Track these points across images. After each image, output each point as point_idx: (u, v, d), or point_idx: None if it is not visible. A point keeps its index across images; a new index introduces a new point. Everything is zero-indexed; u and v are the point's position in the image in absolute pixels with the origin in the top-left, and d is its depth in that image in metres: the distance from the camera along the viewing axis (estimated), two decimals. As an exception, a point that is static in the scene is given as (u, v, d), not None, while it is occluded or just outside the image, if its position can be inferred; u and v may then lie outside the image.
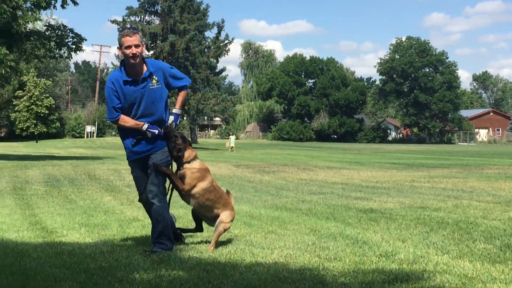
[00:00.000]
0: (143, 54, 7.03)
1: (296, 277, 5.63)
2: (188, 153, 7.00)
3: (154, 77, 6.89)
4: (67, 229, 8.62)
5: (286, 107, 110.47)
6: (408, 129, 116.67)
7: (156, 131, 6.87)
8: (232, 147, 50.69)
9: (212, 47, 62.94)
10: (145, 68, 6.93)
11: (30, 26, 29.45)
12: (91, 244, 7.43)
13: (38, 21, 30.24)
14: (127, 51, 6.75)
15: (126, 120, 6.96)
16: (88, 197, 13.07)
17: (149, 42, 62.39)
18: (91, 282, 5.44)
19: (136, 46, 6.76)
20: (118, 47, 6.96)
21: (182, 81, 7.19)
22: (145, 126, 6.85)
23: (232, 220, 7.38)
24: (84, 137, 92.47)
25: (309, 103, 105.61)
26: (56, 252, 6.84)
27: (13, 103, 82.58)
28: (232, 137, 52.73)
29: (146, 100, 6.87)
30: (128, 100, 6.88)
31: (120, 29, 7.29)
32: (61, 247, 7.19)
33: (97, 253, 6.76)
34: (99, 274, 5.77)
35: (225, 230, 7.29)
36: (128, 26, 60.71)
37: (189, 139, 7.04)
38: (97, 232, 8.41)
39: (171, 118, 7.12)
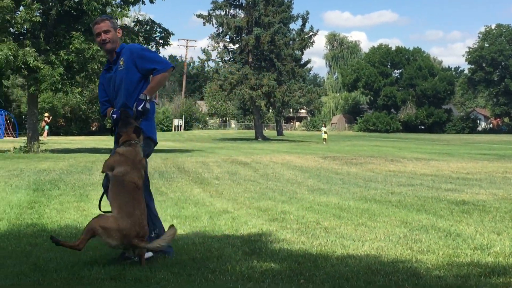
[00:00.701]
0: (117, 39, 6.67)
1: (389, 269, 5.58)
2: (123, 138, 6.32)
3: (121, 58, 6.61)
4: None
5: (372, 98, 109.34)
6: (498, 119, 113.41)
7: (115, 115, 6.56)
8: (324, 139, 50.14)
9: (297, 39, 62.79)
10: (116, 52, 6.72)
11: (119, 22, 30.11)
12: (183, 236, 7.55)
13: (126, 17, 30.82)
14: (97, 39, 6.61)
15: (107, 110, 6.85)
16: (178, 189, 13.28)
17: (234, 35, 62.75)
18: (184, 273, 5.53)
19: (105, 32, 6.56)
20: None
21: (152, 64, 6.55)
22: (111, 111, 6.64)
23: (111, 232, 5.74)
24: (172, 130, 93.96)
25: (396, 94, 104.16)
26: (150, 243, 6.98)
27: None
28: (324, 129, 52.03)
29: (116, 83, 6.66)
30: (110, 87, 6.73)
31: None
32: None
33: (189, 245, 6.87)
34: (192, 265, 5.86)
35: (93, 232, 5.82)
36: (214, 21, 61.47)
37: (140, 129, 6.43)
38: (189, 224, 8.53)
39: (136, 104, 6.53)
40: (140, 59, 6.53)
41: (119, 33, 6.67)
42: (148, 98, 6.44)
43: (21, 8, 26.80)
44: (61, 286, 5.05)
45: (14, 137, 56.01)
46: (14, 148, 28.69)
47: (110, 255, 6.24)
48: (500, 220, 8.57)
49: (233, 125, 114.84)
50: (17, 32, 28.32)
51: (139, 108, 6.39)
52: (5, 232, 7.56)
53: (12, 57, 25.25)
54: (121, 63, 6.56)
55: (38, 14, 26.64)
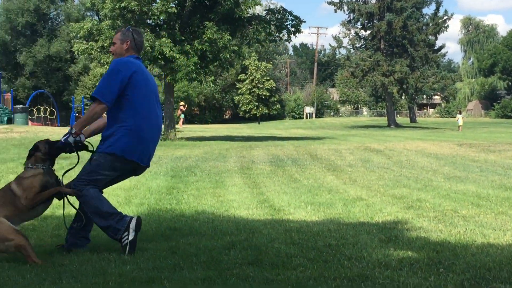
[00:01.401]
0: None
1: (533, 260, 5.35)
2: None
3: None
4: (293, 207, 8.83)
5: (510, 83, 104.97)
6: None
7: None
8: (460, 126, 48.38)
9: (430, 24, 61.24)
10: None
11: (250, 11, 30.43)
12: (318, 222, 7.56)
13: (258, 6, 31.09)
14: None
15: None
16: (312, 176, 13.29)
17: (365, 22, 62.12)
18: (320, 259, 5.53)
19: (112, 44, 6.43)
20: None
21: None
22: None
23: None
24: (303, 118, 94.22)
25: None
26: (285, 229, 7.04)
27: (236, 86, 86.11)
28: (459, 116, 50.20)
29: None
30: None
31: None
32: (289, 225, 7.39)
33: (324, 231, 6.86)
34: (328, 251, 5.86)
35: None
36: (345, 8, 60.99)
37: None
38: (323, 211, 8.53)
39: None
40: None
41: (126, 44, 6.28)
42: (73, 131, 6.03)
43: (158, 0, 27.69)
44: (200, 270, 5.17)
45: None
46: (152, 136, 29.66)
47: (248, 240, 6.33)
48: None
49: (365, 112, 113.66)
50: (153, 24, 29.28)
51: (62, 139, 6.05)
52: (146, 216, 7.83)
53: (149, 48, 26.15)
54: None
55: (174, 5, 27.42)
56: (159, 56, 27.16)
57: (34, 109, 56.36)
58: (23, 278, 4.93)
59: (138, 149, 6.15)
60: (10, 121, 45.43)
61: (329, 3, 62.01)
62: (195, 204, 9.16)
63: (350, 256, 5.62)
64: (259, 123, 78.22)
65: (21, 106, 49.44)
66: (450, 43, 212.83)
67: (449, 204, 8.97)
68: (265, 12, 32.15)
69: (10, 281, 4.89)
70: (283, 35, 31.77)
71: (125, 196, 9.82)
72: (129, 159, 6.10)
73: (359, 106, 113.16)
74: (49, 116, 57.71)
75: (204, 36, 26.96)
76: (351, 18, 62.15)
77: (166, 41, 26.73)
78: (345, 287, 4.72)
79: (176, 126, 34.24)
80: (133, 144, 6.10)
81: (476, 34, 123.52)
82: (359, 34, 63.54)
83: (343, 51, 64.31)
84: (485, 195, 9.88)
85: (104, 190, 6.29)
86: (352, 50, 63.58)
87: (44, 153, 6.01)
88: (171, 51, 26.59)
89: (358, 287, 4.72)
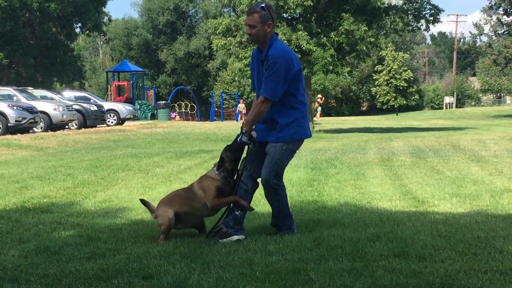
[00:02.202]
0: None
1: None
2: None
3: (267, 55, 6.21)
4: (438, 199, 8.62)
5: None
6: None
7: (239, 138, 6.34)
8: None
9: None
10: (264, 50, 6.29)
11: (387, 1, 30.00)
12: (464, 214, 7.36)
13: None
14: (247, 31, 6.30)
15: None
16: (455, 168, 12.92)
17: (508, 7, 59.71)
18: (470, 252, 5.40)
19: (251, 26, 6.16)
20: None
21: (263, 87, 6.21)
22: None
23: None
24: (443, 108, 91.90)
25: None
26: (430, 221, 6.90)
27: (373, 77, 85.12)
28: None
29: (258, 86, 6.39)
30: (258, 80, 6.39)
31: None
32: (434, 217, 7.24)
33: (472, 223, 6.68)
34: (477, 244, 5.71)
35: None
36: None
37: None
38: (469, 203, 8.28)
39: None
40: (267, 74, 6.18)
41: (268, 26, 6.16)
42: (243, 130, 6.26)
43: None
44: (346, 262, 5.17)
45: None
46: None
47: (393, 232, 6.24)
48: None
49: (508, 101, 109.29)
50: (290, 17, 29.46)
51: (238, 140, 6.31)
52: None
53: (286, 41, 26.33)
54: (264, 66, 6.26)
55: (311, -2, 27.48)
56: (296, 49, 27.29)
57: (176, 105, 58.24)
58: (174, 268, 5.11)
59: (308, 126, 6.61)
60: (153, 116, 47.19)
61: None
62: (336, 196, 9.13)
63: (501, 249, 5.44)
64: (397, 114, 77.00)
65: (163, 102, 51.26)
66: None
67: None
68: (402, 2, 31.57)
69: (162, 269, 5.08)
70: (421, 24, 31.14)
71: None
72: (306, 138, 6.57)
73: (502, 94, 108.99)
74: (189, 112, 59.43)
75: (340, 28, 26.88)
76: (493, 3, 59.94)
77: (303, 34, 26.86)
78: (497, 280, 4.58)
79: (314, 118, 34.30)
80: (307, 124, 6.55)
81: None
82: (501, 20, 61.17)
83: (484, 38, 62.40)
84: None
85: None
86: (494, 37, 61.39)
87: (229, 161, 6.33)
88: (308, 44, 26.69)
89: (511, 281, 4.55)
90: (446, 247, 5.56)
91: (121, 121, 36.40)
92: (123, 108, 37.27)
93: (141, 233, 6.58)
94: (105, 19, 63.43)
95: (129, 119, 37.79)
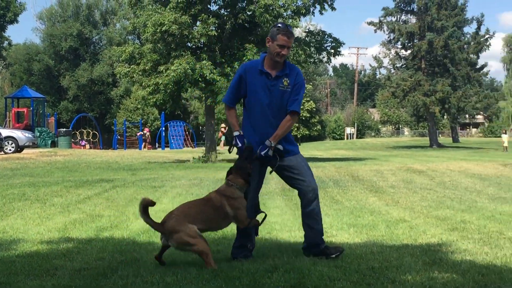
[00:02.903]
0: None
1: None
2: (230, 177, 6.70)
3: (286, 79, 6.56)
4: (336, 229, 8.77)
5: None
6: None
7: (239, 145, 6.56)
8: (505, 146, 47.26)
9: (472, 43, 60.74)
10: (282, 67, 6.60)
11: (291, 32, 30.50)
12: (361, 244, 7.50)
13: (298, 28, 31.21)
14: (279, 50, 6.45)
15: (231, 114, 6.80)
16: (353, 198, 13.21)
17: (406, 41, 61.92)
18: (364, 282, 5.49)
19: (288, 48, 6.51)
20: (268, 38, 6.56)
21: (297, 105, 6.62)
22: (236, 133, 6.58)
23: None
24: (344, 138, 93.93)
25: None
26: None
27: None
28: (505, 136, 49.08)
29: (271, 100, 6.57)
30: (255, 92, 6.59)
31: (278, 24, 6.86)
32: (330, 247, 7.34)
33: (367, 254, 6.80)
34: (371, 274, 5.80)
35: None
36: (385, 28, 60.82)
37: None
38: (366, 233, 8.46)
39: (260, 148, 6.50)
40: (299, 90, 6.61)
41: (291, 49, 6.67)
42: (272, 145, 6.44)
43: (198, 23, 27.97)
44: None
45: (192, 147, 58.34)
46: (193, 158, 29.97)
47: (290, 263, 6.30)
48: None
49: (406, 133, 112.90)
50: (194, 46, 29.53)
51: (262, 153, 6.44)
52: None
53: (190, 70, 26.39)
54: (285, 83, 6.54)
55: (214, 29, 27.69)
56: (200, 79, 27.36)
57: (77, 132, 57.17)
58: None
59: None
60: (54, 144, 46.13)
61: (369, 23, 62.11)
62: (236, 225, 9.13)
63: (394, 279, 5.56)
64: (299, 144, 78.11)
65: (64, 129, 50.26)
66: (493, 61, 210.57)
67: (494, 226, 8.83)
68: (304, 34, 32.20)
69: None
70: (323, 56, 31.79)
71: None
72: None
73: (400, 126, 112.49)
74: (91, 139, 58.49)
75: (244, 58, 27.11)
76: (391, 38, 62.02)
77: (207, 64, 26.95)
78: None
79: (217, 148, 34.38)
80: None
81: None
82: (400, 54, 63.32)
83: (383, 71, 64.22)
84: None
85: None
86: (392, 70, 63.38)
87: (250, 173, 6.53)
88: (212, 74, 26.79)
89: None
90: (341, 277, 5.64)
91: (19, 148, 35.43)
92: (22, 135, 36.33)
93: (35, 265, 6.38)
94: (5, 43, 61.85)
95: (28, 146, 36.82)
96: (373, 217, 10.07)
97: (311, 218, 6.73)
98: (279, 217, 10.18)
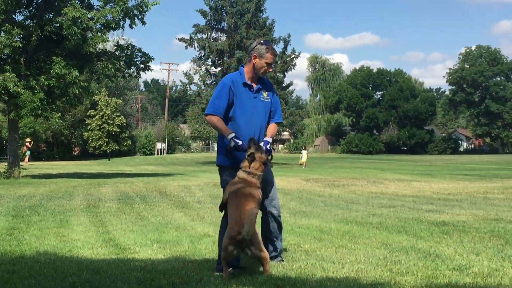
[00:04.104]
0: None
1: (367, 292, 5.58)
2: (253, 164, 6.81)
3: (265, 91, 7.18)
4: (139, 246, 8.74)
5: (354, 119, 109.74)
6: (480, 139, 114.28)
7: (240, 142, 6.82)
8: (302, 163, 48.52)
9: (279, 62, 62.94)
10: (258, 80, 7.18)
11: (100, 46, 30.03)
12: (163, 260, 7.51)
13: (108, 42, 30.76)
14: (266, 67, 7.06)
15: (220, 121, 7.01)
16: (160, 214, 13.23)
17: (216, 58, 62.93)
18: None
19: (272, 65, 7.16)
20: (255, 55, 7.04)
21: (276, 114, 7.33)
22: (231, 135, 6.85)
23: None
24: (154, 154, 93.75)
25: (378, 115, 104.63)
26: (129, 269, 6.93)
27: (86, 122, 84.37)
28: (304, 152, 50.78)
29: (254, 110, 7.05)
30: (242, 102, 7.03)
31: (262, 41, 7.31)
32: (134, 264, 7.29)
33: (169, 269, 6.82)
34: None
35: None
36: (196, 44, 61.52)
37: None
38: (169, 249, 8.49)
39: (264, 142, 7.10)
40: (276, 102, 7.30)
41: None
42: (270, 141, 7.09)
43: (1, 33, 26.74)
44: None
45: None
46: (-6, 173, 28.55)
47: (90, 281, 6.18)
48: (479, 241, 8.61)
49: (216, 148, 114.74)
50: (-3, 57, 28.22)
51: (267, 146, 6.97)
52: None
53: (-8, 82, 25.18)
54: (264, 95, 7.16)
55: (19, 40, 26.58)
56: (3, 92, 26.22)
57: None
58: None
59: None
60: None
61: (180, 39, 62.43)
62: (36, 245, 8.84)
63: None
64: (109, 160, 76.95)
65: None
66: (298, 80, 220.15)
67: (292, 239, 9.19)
68: (115, 48, 31.84)
69: None
70: (133, 71, 31.58)
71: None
72: None
73: (210, 142, 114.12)
74: None
75: (52, 71, 26.30)
76: (202, 55, 62.77)
77: (11, 76, 25.84)
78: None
79: (21, 163, 32.98)
80: None
81: (323, 72, 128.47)
82: (210, 70, 64.25)
83: (194, 87, 64.81)
84: (327, 229, 10.20)
85: None
86: (203, 87, 64.12)
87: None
88: (16, 86, 25.73)
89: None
90: (140, 294, 5.63)
91: None
92: None
93: None
94: None
95: None
96: (178, 232, 10.13)
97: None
98: (82, 234, 9.98)
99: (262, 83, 7.18)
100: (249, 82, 7.09)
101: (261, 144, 6.95)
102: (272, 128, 7.26)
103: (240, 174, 6.74)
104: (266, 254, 6.41)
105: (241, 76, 7.11)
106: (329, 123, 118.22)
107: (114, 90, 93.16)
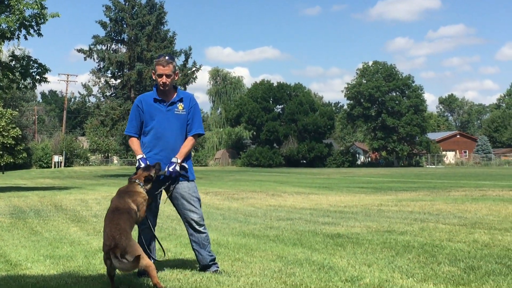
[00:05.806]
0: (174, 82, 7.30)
1: (261, 304, 5.63)
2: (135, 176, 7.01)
3: (181, 104, 7.24)
4: (31, 262, 8.51)
5: (255, 133, 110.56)
6: (376, 152, 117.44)
7: (143, 164, 7.03)
8: None
9: (180, 75, 62.82)
10: (175, 94, 7.28)
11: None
12: (56, 276, 7.34)
13: (1, 52, 29.92)
14: (159, 79, 7.13)
15: (133, 142, 7.34)
16: (54, 229, 12.92)
17: (116, 70, 62.11)
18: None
19: (168, 76, 7.11)
20: (153, 71, 7.27)
21: (199, 126, 7.36)
22: (139, 156, 7.10)
23: None
24: (51, 167, 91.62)
25: (278, 129, 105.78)
26: (20, 286, 6.76)
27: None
28: None
29: (166, 125, 7.14)
30: (152, 118, 7.17)
31: (158, 55, 7.67)
32: (25, 280, 7.10)
33: (61, 285, 6.70)
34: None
35: None
36: (95, 56, 60.59)
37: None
38: (62, 264, 8.31)
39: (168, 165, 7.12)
40: (194, 113, 7.29)
41: (177, 75, 7.24)
42: (179, 161, 7.07)
43: None
44: None
45: None
46: None
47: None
48: (371, 252, 8.85)
49: (115, 161, 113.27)
50: None
51: (170, 168, 7.02)
52: None
53: None
54: (180, 107, 7.21)
55: None
56: None
57: None
58: None
59: None
60: None
61: (79, 50, 61.30)
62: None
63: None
64: (3, 173, 74.61)
65: None
66: (200, 93, 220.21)
67: (190, 253, 9.15)
68: (10, 58, 30.99)
69: None
70: (29, 83, 30.81)
71: None
72: None
73: (109, 154, 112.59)
74: None
75: None
76: (101, 66, 61.85)
77: None
78: None
79: None
80: None
81: (224, 86, 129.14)
82: (109, 82, 63.38)
83: (93, 99, 63.79)
84: (225, 242, 10.23)
85: None
86: (102, 99, 63.19)
87: (152, 178, 6.84)
88: None
89: None
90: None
91: None
92: None
93: None
94: None
95: None
96: (72, 247, 9.92)
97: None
98: None
99: (179, 96, 7.28)
100: (159, 97, 7.22)
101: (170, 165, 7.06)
102: (186, 143, 7.25)
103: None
104: (146, 261, 6.30)
105: (154, 93, 7.28)
106: (230, 136, 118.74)
107: (10, 101, 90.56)
